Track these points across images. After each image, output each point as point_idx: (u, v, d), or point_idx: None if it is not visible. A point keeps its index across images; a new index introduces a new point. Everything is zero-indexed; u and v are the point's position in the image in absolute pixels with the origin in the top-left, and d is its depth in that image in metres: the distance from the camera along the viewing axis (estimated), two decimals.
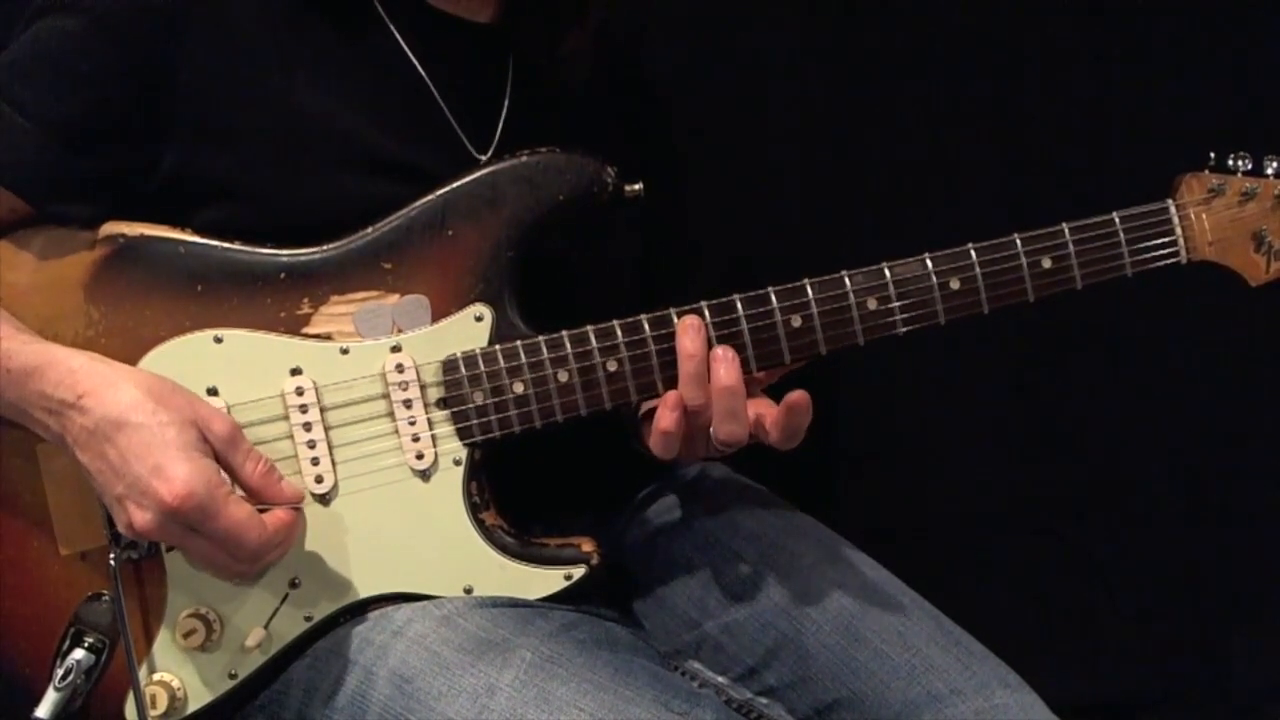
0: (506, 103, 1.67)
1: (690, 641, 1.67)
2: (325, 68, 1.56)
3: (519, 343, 1.53)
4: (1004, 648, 1.61)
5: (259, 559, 1.44)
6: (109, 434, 1.39)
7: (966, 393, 2.37)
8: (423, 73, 1.62)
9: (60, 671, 1.48)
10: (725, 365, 1.50)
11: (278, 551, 1.46)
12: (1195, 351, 2.34)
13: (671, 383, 1.52)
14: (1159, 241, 1.57)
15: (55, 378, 1.41)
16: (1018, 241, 1.54)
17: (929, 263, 1.54)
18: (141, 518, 1.38)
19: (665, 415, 1.51)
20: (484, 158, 1.63)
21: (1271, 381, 2.36)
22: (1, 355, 1.43)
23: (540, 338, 1.53)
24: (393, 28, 1.61)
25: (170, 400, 1.42)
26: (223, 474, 1.42)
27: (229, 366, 1.49)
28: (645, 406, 1.64)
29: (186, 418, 1.41)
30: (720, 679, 1.65)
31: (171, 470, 1.37)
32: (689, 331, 1.51)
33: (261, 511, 1.44)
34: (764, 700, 1.62)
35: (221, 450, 1.42)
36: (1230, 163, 1.58)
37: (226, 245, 1.53)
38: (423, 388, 1.52)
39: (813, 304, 1.53)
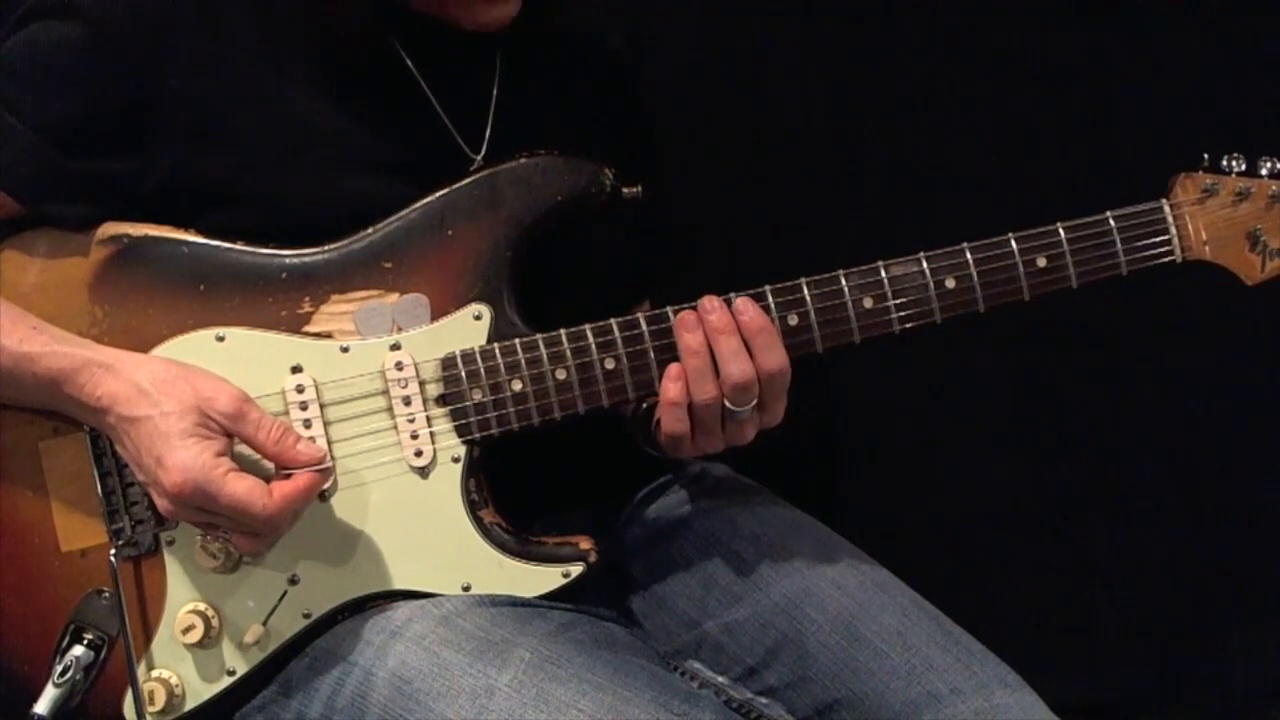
0: (494, 99, 1.67)
1: (690, 641, 1.67)
2: (319, 69, 1.57)
3: (517, 341, 1.53)
4: (1004, 648, 1.61)
5: (273, 528, 1.44)
6: (126, 430, 1.43)
7: (967, 393, 2.38)
8: (415, 70, 1.62)
9: (59, 668, 1.49)
10: (750, 312, 1.51)
11: (295, 518, 1.46)
12: (1195, 351, 2.34)
13: None
14: (1153, 241, 1.57)
15: (79, 383, 1.45)
16: (1012, 241, 1.55)
17: (924, 262, 1.55)
18: (161, 504, 1.43)
19: (670, 387, 1.52)
20: (477, 156, 1.64)
21: (1271, 381, 2.36)
22: (24, 358, 1.46)
23: (538, 336, 1.54)
24: (384, 26, 1.61)
25: (172, 388, 1.44)
26: (230, 450, 1.44)
27: (230, 364, 1.49)
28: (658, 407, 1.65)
29: (188, 404, 1.42)
30: (720, 679, 1.65)
31: (170, 460, 1.40)
32: (689, 326, 1.52)
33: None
34: (764, 700, 1.62)
35: (230, 427, 1.44)
36: (1224, 163, 1.59)
37: (229, 245, 1.54)
38: (422, 385, 1.53)
39: (809, 302, 1.54)
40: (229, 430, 1.44)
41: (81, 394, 1.45)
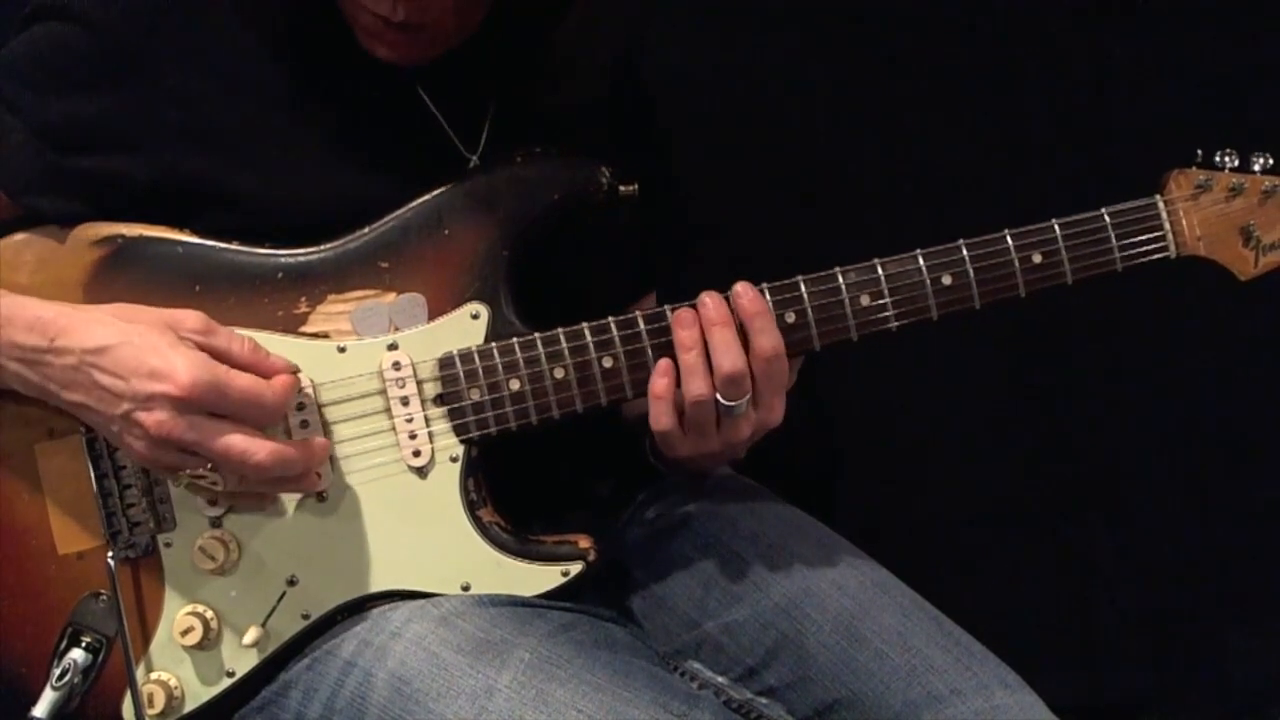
0: (491, 99, 1.67)
1: (690, 642, 1.67)
2: (313, 69, 1.57)
3: (515, 340, 1.54)
4: (1004, 648, 1.61)
5: (280, 415, 1.45)
6: (95, 362, 1.40)
7: (966, 393, 2.37)
8: (410, 70, 1.61)
9: (57, 671, 1.49)
10: (748, 295, 1.52)
11: (290, 402, 1.47)
12: (1194, 351, 2.34)
13: None
14: (1148, 237, 1.58)
15: (24, 325, 1.42)
16: (1008, 237, 1.56)
17: (921, 259, 1.55)
18: (154, 419, 1.38)
19: (657, 382, 1.53)
20: (473, 157, 1.64)
21: (1271, 380, 2.36)
22: None
23: (536, 335, 1.54)
24: None
25: (137, 315, 1.43)
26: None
27: None
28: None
29: (159, 325, 1.42)
30: (720, 679, 1.64)
31: (168, 366, 1.38)
32: (684, 323, 1.52)
33: None
34: (764, 700, 1.62)
35: (202, 341, 1.43)
36: (1217, 159, 1.59)
37: (224, 245, 1.54)
38: (419, 385, 1.53)
39: (806, 300, 1.54)
40: (203, 345, 1.42)
41: (29, 337, 1.42)
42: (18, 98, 1.53)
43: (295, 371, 1.48)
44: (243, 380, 1.41)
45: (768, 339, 1.52)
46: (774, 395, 1.55)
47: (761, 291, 1.54)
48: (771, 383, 1.54)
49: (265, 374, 1.45)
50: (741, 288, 1.53)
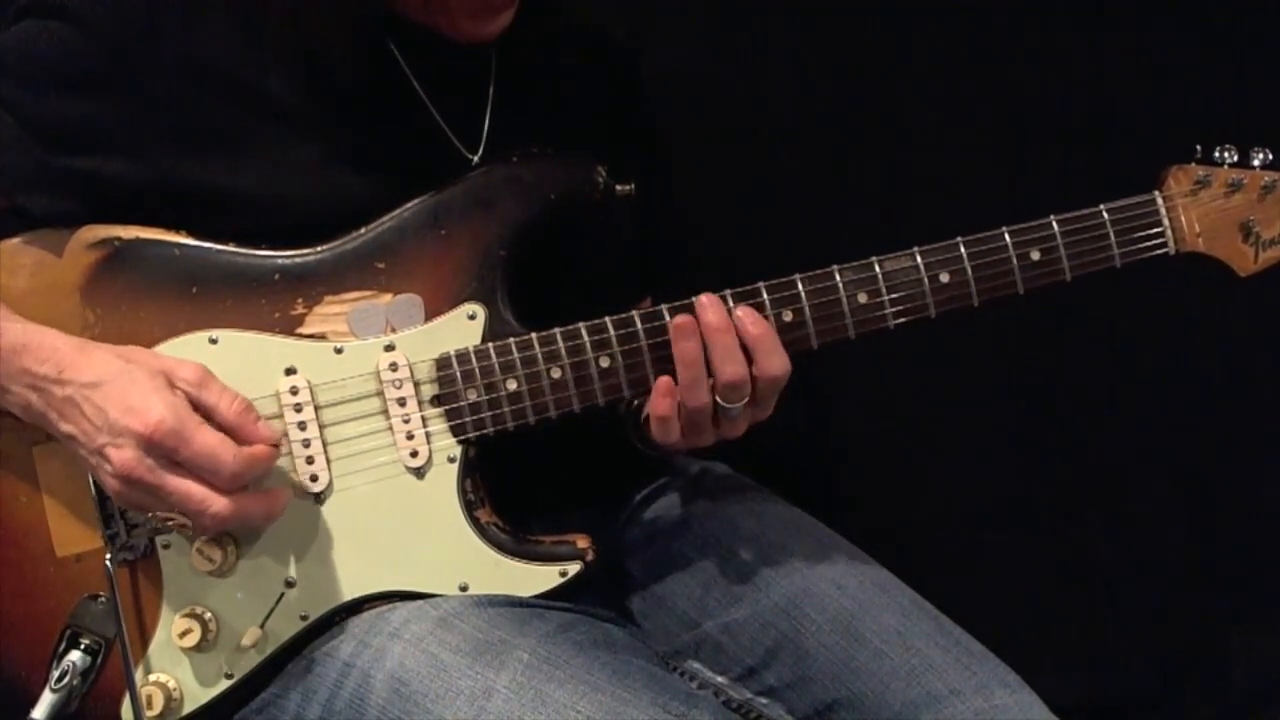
0: (490, 98, 1.67)
1: (689, 641, 1.67)
2: (309, 70, 1.56)
3: (512, 340, 1.53)
4: (1004, 648, 1.61)
5: (237, 480, 1.42)
6: (86, 395, 1.41)
7: (966, 392, 2.38)
8: (408, 71, 1.62)
9: (56, 673, 1.48)
10: (749, 319, 1.52)
11: (254, 472, 1.44)
12: (1195, 351, 2.35)
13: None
14: (1147, 233, 1.58)
15: (40, 355, 1.43)
16: (1006, 234, 1.56)
17: (918, 256, 1.55)
18: (120, 456, 1.39)
19: (659, 402, 1.52)
20: (474, 157, 1.64)
21: (1271, 380, 2.36)
22: None
23: (533, 335, 1.54)
24: (377, 28, 1.61)
25: (137, 356, 1.44)
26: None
27: (224, 367, 1.48)
28: (647, 409, 1.65)
29: (155, 368, 1.42)
30: (719, 679, 1.64)
31: (142, 404, 1.38)
32: (685, 334, 1.51)
33: None
34: (763, 700, 1.62)
35: (193, 394, 1.43)
36: (1216, 155, 1.59)
37: (221, 247, 1.54)
38: (416, 385, 1.53)
39: (803, 298, 1.54)
40: (193, 397, 1.42)
41: (42, 366, 1.42)
42: (8, 93, 1.52)
43: (276, 445, 1.47)
44: (208, 437, 1.40)
45: (777, 361, 1.52)
46: (770, 399, 1.56)
47: (758, 289, 1.54)
48: (771, 391, 1.55)
49: (246, 439, 1.44)
50: (743, 311, 1.52)
